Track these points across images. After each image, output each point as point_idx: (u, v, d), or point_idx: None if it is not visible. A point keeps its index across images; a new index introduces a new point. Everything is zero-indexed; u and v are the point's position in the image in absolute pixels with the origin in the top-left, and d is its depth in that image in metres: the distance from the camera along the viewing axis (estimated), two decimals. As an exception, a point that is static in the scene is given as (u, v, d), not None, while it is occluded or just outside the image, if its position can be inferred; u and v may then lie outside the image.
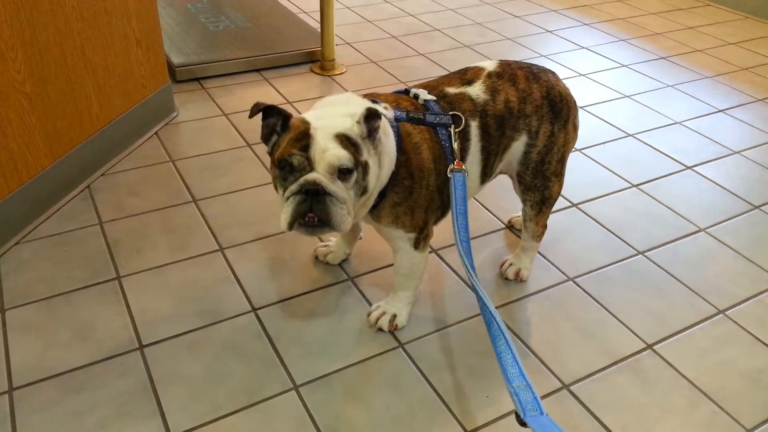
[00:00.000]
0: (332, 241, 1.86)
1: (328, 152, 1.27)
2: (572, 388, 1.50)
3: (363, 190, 1.34)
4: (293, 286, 1.76)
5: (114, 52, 2.17)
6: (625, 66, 3.23)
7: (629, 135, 2.60)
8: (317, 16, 3.14)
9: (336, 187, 1.28)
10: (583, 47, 3.44)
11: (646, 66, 3.24)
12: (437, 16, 3.79)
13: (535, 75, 1.59)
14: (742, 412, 1.46)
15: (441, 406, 1.44)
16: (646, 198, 2.22)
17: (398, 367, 1.54)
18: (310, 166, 1.28)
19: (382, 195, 1.42)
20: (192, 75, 2.88)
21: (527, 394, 1.03)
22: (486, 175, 1.59)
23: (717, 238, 2.03)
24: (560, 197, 2.15)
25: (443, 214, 1.57)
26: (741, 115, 2.80)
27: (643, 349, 1.62)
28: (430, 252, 1.87)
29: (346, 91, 2.83)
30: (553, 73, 1.64)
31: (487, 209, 2.13)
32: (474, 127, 1.51)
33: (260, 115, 1.35)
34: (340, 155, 1.27)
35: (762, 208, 2.20)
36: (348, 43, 3.35)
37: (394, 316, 1.62)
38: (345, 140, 1.29)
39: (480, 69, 1.58)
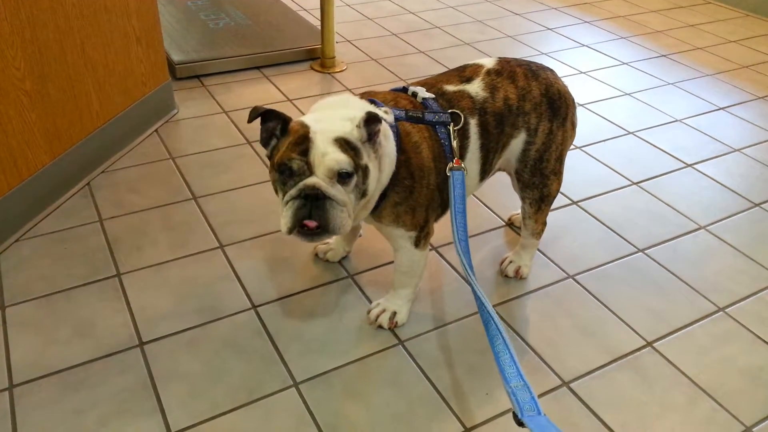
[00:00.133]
0: (332, 239, 1.86)
1: (327, 156, 1.26)
2: (572, 385, 1.51)
3: (363, 194, 1.33)
4: (293, 283, 1.76)
5: (114, 49, 2.17)
6: (626, 64, 3.23)
7: (630, 133, 2.60)
8: (317, 13, 3.14)
9: (335, 191, 1.28)
10: (583, 45, 3.44)
11: (646, 64, 3.23)
12: (438, 13, 3.78)
13: (534, 72, 1.59)
14: (742, 410, 1.46)
15: (441, 403, 1.45)
16: (647, 195, 2.21)
17: (398, 364, 1.54)
18: (309, 170, 1.27)
19: (383, 195, 1.42)
20: (192, 72, 2.88)
21: (525, 394, 1.03)
22: (485, 172, 1.59)
23: (717, 235, 2.03)
24: (560, 195, 2.15)
25: (443, 212, 1.57)
26: (741, 113, 2.79)
27: (643, 347, 1.62)
28: (430, 250, 1.87)
29: (347, 88, 2.83)
30: (551, 70, 1.64)
31: (486, 206, 2.13)
32: (473, 124, 1.50)
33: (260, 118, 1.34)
34: (339, 159, 1.26)
35: (762, 205, 2.19)
36: (348, 41, 3.35)
37: (394, 314, 1.62)
38: (344, 144, 1.28)
39: (479, 66, 1.58)
